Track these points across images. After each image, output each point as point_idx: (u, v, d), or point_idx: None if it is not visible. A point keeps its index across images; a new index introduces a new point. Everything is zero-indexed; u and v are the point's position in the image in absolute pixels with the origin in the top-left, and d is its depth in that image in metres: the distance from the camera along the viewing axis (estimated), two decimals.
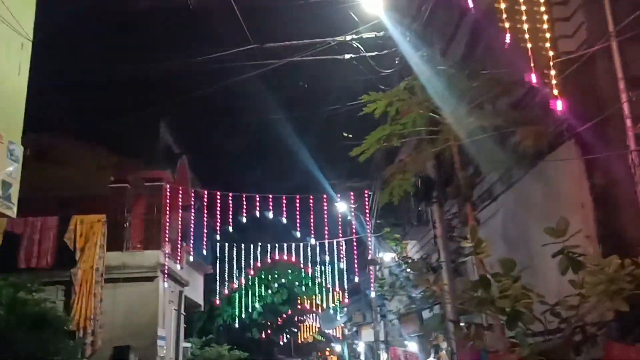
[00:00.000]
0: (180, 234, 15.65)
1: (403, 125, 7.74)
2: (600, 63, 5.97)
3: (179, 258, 16.05)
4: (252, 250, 21.49)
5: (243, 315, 28.04)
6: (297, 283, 28.33)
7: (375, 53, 9.45)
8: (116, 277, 13.85)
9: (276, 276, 27.37)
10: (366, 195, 16.82)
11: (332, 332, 48.96)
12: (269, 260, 21.91)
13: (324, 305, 29.76)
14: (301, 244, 21.37)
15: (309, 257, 21.40)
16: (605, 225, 6.23)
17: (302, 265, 21.93)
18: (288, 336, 43.36)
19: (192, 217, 15.53)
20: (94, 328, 13.38)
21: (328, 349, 55.28)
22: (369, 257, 21.30)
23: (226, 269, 22.22)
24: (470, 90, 7.21)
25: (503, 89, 7.21)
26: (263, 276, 27.52)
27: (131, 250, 14.36)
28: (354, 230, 19.66)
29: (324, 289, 27.80)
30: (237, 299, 27.86)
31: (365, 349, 26.58)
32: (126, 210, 14.45)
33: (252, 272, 21.78)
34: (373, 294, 19.43)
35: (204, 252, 20.09)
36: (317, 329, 46.46)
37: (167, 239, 14.57)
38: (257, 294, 27.69)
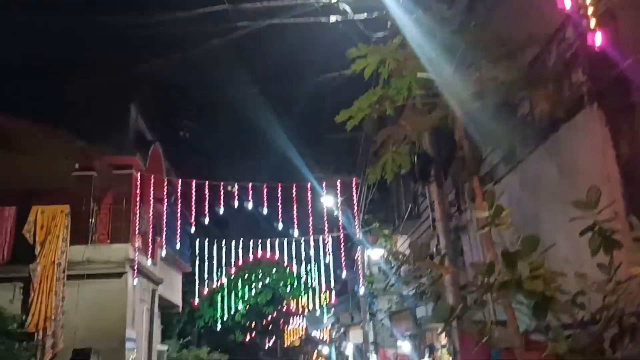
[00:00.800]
0: (152, 227, 14.43)
1: (396, 90, 6.67)
2: None
3: (150, 253, 14.83)
4: (233, 247, 20.30)
5: (225, 317, 26.82)
6: (281, 283, 27.12)
7: (365, 15, 8.39)
8: (80, 274, 12.60)
9: (260, 276, 26.15)
10: (354, 185, 15.76)
11: (318, 335, 47.81)
12: (251, 258, 20.73)
13: (310, 306, 28.58)
14: (285, 240, 20.27)
15: (294, 255, 20.25)
16: (636, 199, 5.27)
17: (286, 264, 20.77)
18: (273, 339, 42.12)
19: (166, 209, 14.32)
20: (54, 329, 12.13)
21: (315, 351, 54.08)
22: (357, 254, 20.24)
23: (206, 268, 20.98)
24: (475, 48, 6.16)
25: (513, 48, 6.18)
26: (246, 276, 26.33)
27: (97, 243, 13.11)
28: (340, 225, 18.54)
29: (310, 289, 26.66)
30: (218, 300, 26.63)
31: (354, 351, 25.49)
32: (92, 201, 13.21)
33: (233, 270, 20.58)
34: (362, 290, 18.34)
35: (179, 247, 18.86)
36: (303, 332, 45.28)
37: (137, 232, 13.35)
38: (239, 295, 26.48)
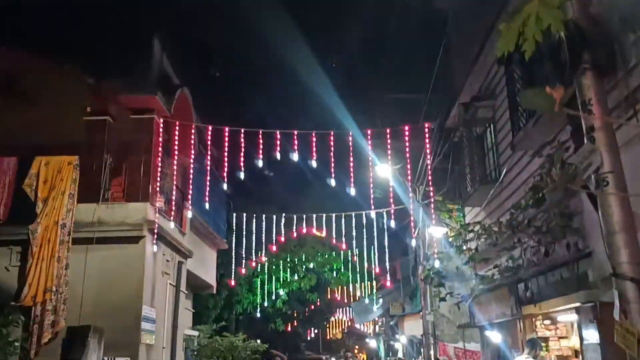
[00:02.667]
0: (177, 186, 12.01)
1: None
2: None
3: (176, 217, 12.50)
4: (274, 221, 17.80)
5: (266, 303, 24.48)
6: (327, 267, 24.50)
7: None
8: (89, 237, 10.33)
9: (303, 259, 23.62)
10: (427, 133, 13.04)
11: (362, 327, 45.04)
12: (295, 234, 18.18)
13: (358, 293, 25.99)
14: (333, 216, 17.63)
15: (343, 231, 17.59)
16: None
17: (334, 241, 18.08)
18: (316, 330, 39.69)
19: (194, 166, 11.89)
20: (55, 303, 9.89)
21: (357, 346, 51.45)
22: (414, 231, 17.43)
23: (244, 245, 18.57)
24: None
25: None
26: (288, 258, 23.87)
27: (110, 202, 10.80)
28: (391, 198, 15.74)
29: (357, 274, 24.02)
30: (258, 285, 24.30)
31: (407, 345, 22.71)
32: (105, 151, 10.91)
33: (274, 248, 18.09)
34: (428, 268, 15.53)
35: (214, 220, 16.52)
36: (349, 322, 42.62)
37: (159, 190, 10.97)
38: (281, 279, 24.05)
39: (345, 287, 28.36)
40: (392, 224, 16.84)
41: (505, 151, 10.97)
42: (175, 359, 11.88)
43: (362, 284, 24.57)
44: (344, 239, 17.80)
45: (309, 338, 42.36)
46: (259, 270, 23.60)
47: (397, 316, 24.11)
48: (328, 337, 53.04)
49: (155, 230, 10.65)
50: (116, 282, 10.23)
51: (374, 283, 24.51)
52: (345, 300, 31.58)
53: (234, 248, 18.34)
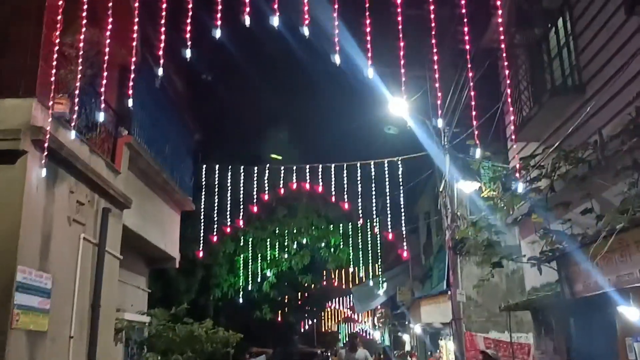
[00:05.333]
0: (106, 101, 7.75)
1: None
2: None
3: (102, 146, 8.31)
4: (255, 173, 13.60)
5: (250, 287, 20.32)
6: (322, 243, 20.29)
7: None
8: None
9: (294, 231, 19.42)
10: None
11: (358, 317, 40.90)
12: (282, 191, 13.93)
13: (361, 274, 21.87)
14: (332, 166, 13.45)
15: (345, 185, 13.41)
16: None
17: (334, 198, 13.77)
18: (310, 321, 35.45)
19: (137, 67, 7.53)
20: None
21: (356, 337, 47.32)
22: (440, 185, 13.29)
23: (216, 204, 14.32)
24: None
25: None
26: (277, 231, 19.68)
27: None
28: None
29: (360, 250, 19.83)
30: (241, 264, 20.12)
31: (421, 336, 18.65)
32: None
33: (255, 208, 13.90)
34: (464, 229, 11.43)
35: (176, 172, 12.34)
36: (347, 313, 38.61)
37: (54, 79, 6.67)
38: (268, 257, 19.86)
39: (344, 269, 24.24)
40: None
41: (588, 48, 7.48)
42: (96, 354, 7.69)
43: (365, 262, 20.37)
44: (345, 197, 13.58)
45: (302, 330, 38.20)
46: (241, 245, 19.43)
47: (407, 302, 20.06)
48: (323, 329, 49.02)
49: (47, 144, 6.40)
50: None
51: (380, 261, 20.30)
52: (344, 287, 27.52)
53: (202, 210, 14.12)
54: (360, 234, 19.16)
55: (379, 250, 19.61)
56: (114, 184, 8.55)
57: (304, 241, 20.08)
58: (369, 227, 18.16)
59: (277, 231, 19.61)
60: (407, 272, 22.98)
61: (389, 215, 13.30)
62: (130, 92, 7.23)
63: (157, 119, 11.12)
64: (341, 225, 19.73)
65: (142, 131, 10.15)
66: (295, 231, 19.57)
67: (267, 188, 13.71)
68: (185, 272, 18.53)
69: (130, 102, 7.57)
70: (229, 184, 14.20)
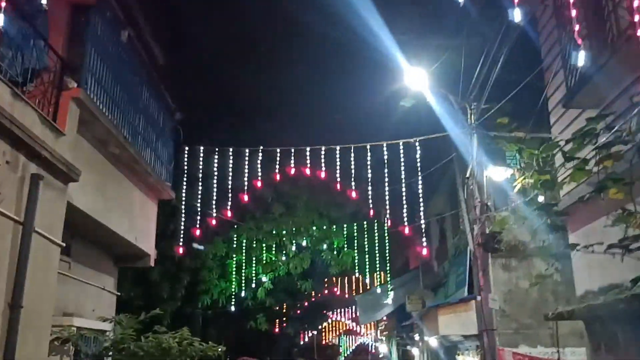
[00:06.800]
0: (46, 41, 5.68)
1: None
2: None
3: (43, 98, 6.31)
4: (246, 156, 11.53)
5: (243, 293, 18.20)
6: (324, 245, 18.14)
7: None
8: None
9: (293, 232, 17.31)
10: None
11: (360, 329, 38.55)
12: (278, 176, 11.83)
13: (367, 280, 19.70)
14: (337, 148, 11.38)
15: (352, 166, 11.29)
16: None
17: (339, 186, 11.56)
18: (309, 333, 33.10)
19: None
20: None
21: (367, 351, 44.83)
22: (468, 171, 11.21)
23: (199, 192, 12.22)
24: None
25: None
26: (274, 231, 17.57)
27: None
28: None
29: (366, 252, 17.68)
30: (233, 268, 18.00)
31: (436, 350, 16.44)
32: None
33: (246, 197, 11.83)
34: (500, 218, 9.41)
35: (147, 140, 10.30)
36: (349, 325, 36.26)
37: None
38: (263, 260, 17.73)
39: (347, 276, 22.07)
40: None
41: None
42: None
43: (372, 266, 18.21)
44: (353, 185, 11.45)
45: (302, 342, 35.85)
46: (233, 246, 17.33)
47: (418, 312, 17.89)
48: (324, 342, 46.59)
49: None
50: None
51: (388, 265, 18.14)
52: (347, 295, 25.31)
53: (184, 200, 12.02)
54: (366, 235, 17.02)
55: (387, 253, 17.45)
56: (51, 146, 6.49)
57: (304, 243, 17.96)
58: (376, 224, 16.03)
59: (273, 231, 17.49)
60: (417, 280, 20.89)
61: (405, 206, 11.19)
62: (85, 37, 5.21)
63: (123, 81, 9.09)
64: (345, 226, 17.62)
65: (101, 91, 8.10)
66: (294, 231, 17.45)
67: (259, 174, 11.61)
68: (169, 277, 16.46)
69: (84, 50, 5.56)
70: (215, 171, 12.12)
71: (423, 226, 11.20)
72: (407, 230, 11.15)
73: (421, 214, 11.07)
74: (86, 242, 9.17)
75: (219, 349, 8.98)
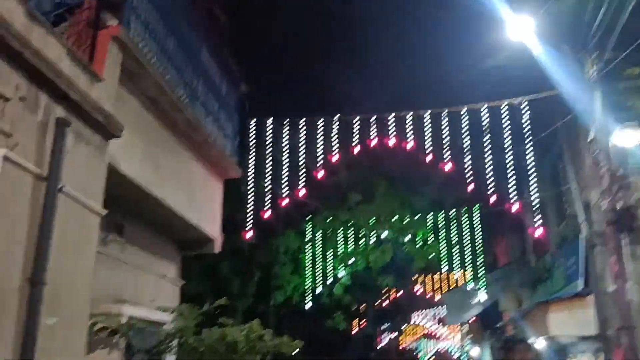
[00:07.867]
0: None
1: None
2: None
3: (79, 39, 5.10)
4: (319, 128, 10.05)
5: (319, 289, 16.77)
6: (407, 235, 16.35)
7: None
8: None
9: (371, 222, 15.67)
10: None
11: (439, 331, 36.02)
12: (355, 150, 10.25)
13: (456, 276, 17.72)
14: (427, 114, 9.66)
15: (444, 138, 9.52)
16: None
17: (428, 158, 9.78)
18: (391, 335, 31.11)
19: None
20: None
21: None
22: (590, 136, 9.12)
23: (267, 172, 10.85)
24: None
25: None
26: (350, 223, 16.02)
27: None
28: None
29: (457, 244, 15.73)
30: (307, 262, 16.62)
31: (544, 353, 14.22)
32: None
33: (320, 174, 10.34)
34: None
35: (210, 109, 9.05)
36: (424, 327, 34.00)
37: None
38: (338, 253, 16.22)
39: (431, 272, 20.13)
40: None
41: None
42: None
43: (461, 260, 16.22)
44: (445, 154, 9.65)
45: (380, 346, 33.87)
46: (307, 238, 15.96)
47: (518, 311, 15.75)
48: (402, 347, 44.34)
49: None
50: None
51: (483, 257, 16.10)
52: (431, 294, 23.29)
53: (252, 180, 10.69)
54: (455, 224, 15.11)
55: (482, 244, 15.44)
56: (84, 89, 5.26)
57: (384, 234, 16.27)
58: (466, 212, 14.09)
59: (350, 221, 15.95)
60: (509, 277, 18.69)
61: (514, 180, 9.27)
62: None
63: (178, 34, 7.87)
64: (431, 213, 15.79)
65: (150, 37, 6.88)
66: (373, 221, 15.81)
67: (337, 147, 10.08)
68: (240, 272, 15.33)
69: None
70: (286, 149, 10.72)
71: (536, 201, 9.23)
72: (516, 207, 9.22)
73: (534, 186, 9.11)
74: (141, 222, 7.98)
75: (296, 346, 7.49)
